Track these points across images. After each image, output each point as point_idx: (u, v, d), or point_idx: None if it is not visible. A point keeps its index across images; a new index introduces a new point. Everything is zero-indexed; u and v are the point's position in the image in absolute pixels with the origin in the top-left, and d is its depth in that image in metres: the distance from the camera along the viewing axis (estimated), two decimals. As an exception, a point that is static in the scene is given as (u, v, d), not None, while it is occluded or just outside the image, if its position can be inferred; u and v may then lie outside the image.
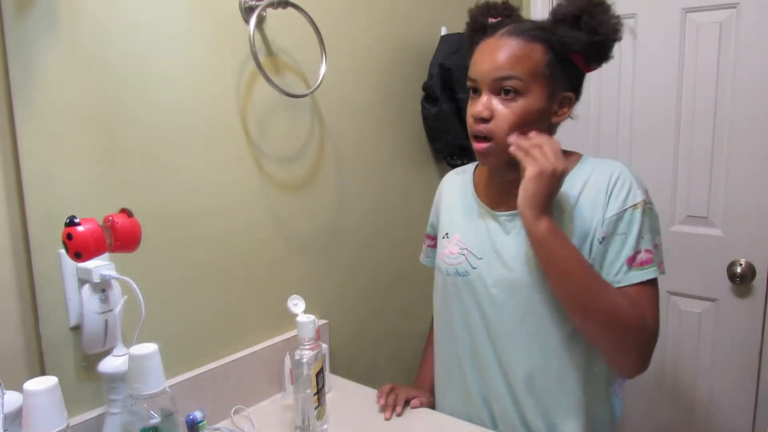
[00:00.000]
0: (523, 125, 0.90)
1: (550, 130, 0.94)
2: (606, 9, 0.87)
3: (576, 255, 0.87)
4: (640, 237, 0.89)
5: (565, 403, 0.95)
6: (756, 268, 1.51)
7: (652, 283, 0.90)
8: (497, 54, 0.89)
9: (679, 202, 1.61)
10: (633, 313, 0.86)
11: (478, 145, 0.92)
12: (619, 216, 0.89)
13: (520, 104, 0.89)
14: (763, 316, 1.52)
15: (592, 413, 0.97)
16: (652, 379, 1.72)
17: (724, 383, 1.61)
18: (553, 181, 0.85)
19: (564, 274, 0.86)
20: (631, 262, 0.89)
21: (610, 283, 0.89)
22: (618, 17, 0.88)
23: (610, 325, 0.87)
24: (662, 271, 0.92)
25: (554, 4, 1.73)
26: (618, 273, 0.89)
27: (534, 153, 0.85)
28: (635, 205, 0.89)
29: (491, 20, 0.95)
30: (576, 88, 0.94)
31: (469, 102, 0.94)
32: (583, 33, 0.87)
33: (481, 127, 0.90)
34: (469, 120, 0.93)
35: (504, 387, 0.98)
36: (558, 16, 0.89)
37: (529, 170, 0.85)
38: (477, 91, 0.92)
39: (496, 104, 0.90)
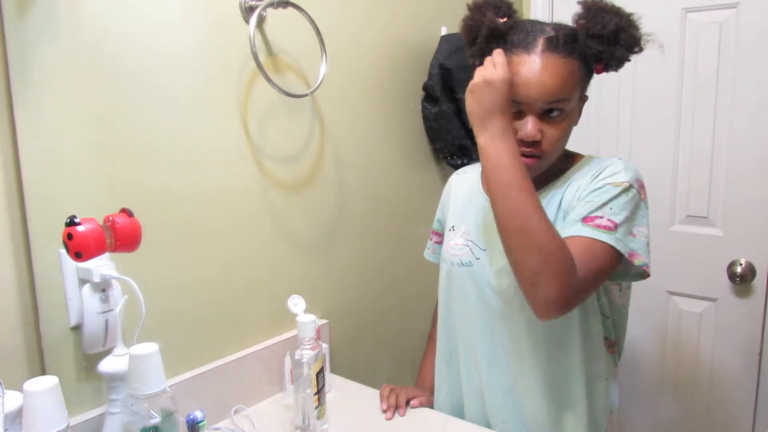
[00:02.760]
0: (566, 140, 0.92)
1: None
2: (634, 23, 0.88)
3: (521, 174, 0.84)
4: (606, 206, 0.87)
5: (568, 392, 0.96)
6: (756, 268, 1.51)
7: (603, 248, 0.85)
8: (546, 77, 0.86)
9: (679, 202, 1.61)
10: (563, 248, 0.82)
11: (525, 161, 0.90)
12: (596, 188, 0.89)
13: (565, 122, 0.89)
14: (763, 316, 1.52)
15: (594, 395, 0.98)
16: (652, 378, 1.73)
17: (724, 383, 1.61)
18: (480, 93, 0.85)
19: (503, 186, 0.84)
20: (587, 221, 0.86)
21: (562, 235, 0.86)
22: (641, 29, 0.89)
23: (535, 249, 0.82)
24: (642, 263, 0.88)
25: (554, 4, 1.75)
26: (570, 226, 0.87)
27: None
28: (616, 183, 0.88)
29: (500, 20, 0.91)
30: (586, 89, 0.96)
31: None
32: (620, 49, 0.87)
33: (533, 149, 0.89)
34: None
35: (503, 377, 0.99)
36: (594, 32, 0.87)
37: None
38: (514, 109, 0.89)
39: (543, 125, 0.89)
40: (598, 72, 0.92)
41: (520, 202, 0.83)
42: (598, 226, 0.86)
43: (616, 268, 0.88)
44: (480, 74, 0.85)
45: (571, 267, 0.82)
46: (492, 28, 0.90)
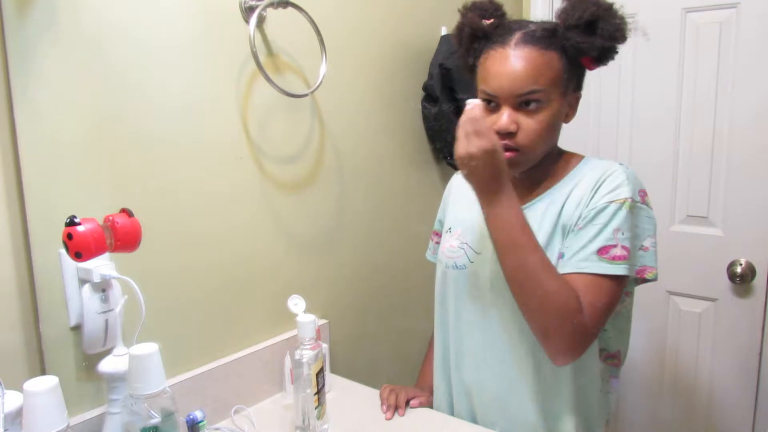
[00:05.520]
0: (547, 134, 0.90)
1: (559, 131, 0.95)
2: (615, 12, 0.87)
3: (523, 231, 0.84)
4: (618, 232, 0.86)
5: (560, 397, 0.95)
6: (756, 268, 1.51)
7: (617, 280, 0.87)
8: (517, 68, 0.86)
9: (679, 202, 1.61)
10: (570, 303, 0.83)
11: (505, 154, 0.89)
12: (601, 208, 0.87)
13: (543, 114, 0.88)
14: (763, 316, 1.52)
15: (584, 407, 0.97)
16: (652, 378, 1.73)
17: (724, 383, 1.61)
18: (468, 167, 0.82)
19: (507, 248, 0.85)
20: (603, 253, 0.86)
21: (573, 267, 0.87)
22: (624, 19, 0.87)
23: (542, 308, 0.84)
24: (654, 276, 0.90)
25: (554, 4, 1.75)
26: (585, 259, 0.86)
27: (459, 137, 0.82)
28: (620, 200, 0.87)
29: (485, 22, 0.93)
30: (581, 87, 0.95)
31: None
32: (599, 39, 0.86)
33: (507, 141, 0.88)
34: None
35: (492, 381, 0.99)
36: (570, 22, 0.86)
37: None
38: (492, 103, 0.90)
39: (520, 117, 0.88)
40: (589, 67, 0.91)
41: (521, 261, 0.84)
42: (614, 258, 0.86)
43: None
44: (462, 148, 0.81)
45: (578, 318, 0.84)
46: (474, 29, 0.92)
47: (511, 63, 0.87)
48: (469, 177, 0.84)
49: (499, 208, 0.84)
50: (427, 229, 1.22)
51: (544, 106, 0.88)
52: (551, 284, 0.84)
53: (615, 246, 0.86)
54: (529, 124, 0.88)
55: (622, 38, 0.87)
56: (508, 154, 0.89)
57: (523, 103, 0.88)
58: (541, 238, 0.91)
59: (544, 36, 0.87)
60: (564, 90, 0.90)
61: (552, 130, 0.91)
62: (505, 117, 0.88)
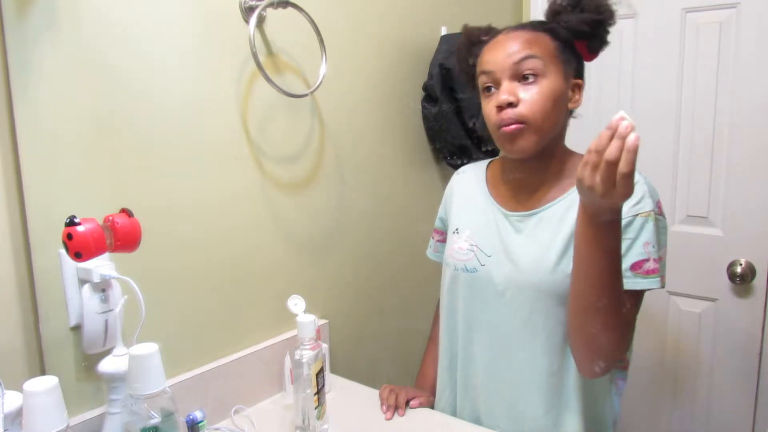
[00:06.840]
0: (550, 107, 0.89)
1: (567, 117, 0.96)
2: None
3: (619, 268, 0.80)
4: (648, 245, 0.86)
5: (568, 399, 0.95)
6: (756, 268, 1.51)
7: (645, 292, 0.89)
8: (510, 42, 0.91)
9: (679, 202, 1.61)
10: (624, 329, 0.84)
11: (507, 129, 0.89)
12: (628, 222, 0.86)
13: (543, 85, 0.88)
14: (763, 316, 1.52)
15: (593, 411, 0.97)
16: (652, 378, 1.73)
17: (724, 383, 1.61)
18: (623, 191, 0.72)
19: (602, 279, 0.80)
20: (637, 268, 0.86)
21: None
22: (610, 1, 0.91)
23: (604, 333, 0.82)
24: (663, 285, 0.89)
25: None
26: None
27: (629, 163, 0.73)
28: (645, 213, 0.87)
29: (483, 38, 0.98)
30: (582, 76, 0.96)
31: (485, 100, 0.93)
32: (586, 13, 0.89)
33: (510, 113, 0.88)
34: (491, 112, 0.91)
35: (502, 387, 0.99)
36: (557, 7, 0.91)
37: (581, 199, 0.76)
38: (491, 88, 0.92)
39: (519, 90, 0.89)
40: (585, 56, 0.94)
41: (611, 295, 0.80)
42: (647, 273, 0.86)
43: None
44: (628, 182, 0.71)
45: (629, 338, 0.86)
46: (470, 36, 0.99)
47: (504, 42, 0.92)
48: (610, 196, 0.72)
49: (615, 234, 0.77)
50: (428, 229, 1.22)
51: (542, 77, 0.89)
52: (620, 316, 0.83)
53: (648, 260, 0.86)
54: (529, 95, 0.89)
55: (608, 13, 0.90)
56: (513, 127, 0.89)
57: (521, 76, 0.89)
58: (559, 242, 0.91)
59: (535, 23, 0.93)
60: (562, 68, 0.91)
61: (554, 104, 0.89)
62: (503, 89, 0.90)
